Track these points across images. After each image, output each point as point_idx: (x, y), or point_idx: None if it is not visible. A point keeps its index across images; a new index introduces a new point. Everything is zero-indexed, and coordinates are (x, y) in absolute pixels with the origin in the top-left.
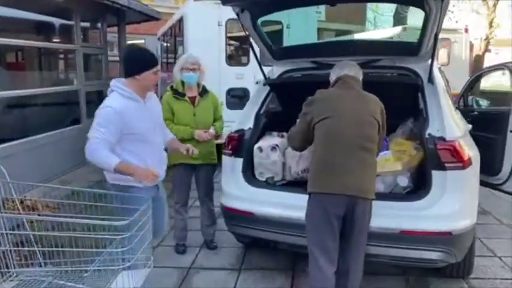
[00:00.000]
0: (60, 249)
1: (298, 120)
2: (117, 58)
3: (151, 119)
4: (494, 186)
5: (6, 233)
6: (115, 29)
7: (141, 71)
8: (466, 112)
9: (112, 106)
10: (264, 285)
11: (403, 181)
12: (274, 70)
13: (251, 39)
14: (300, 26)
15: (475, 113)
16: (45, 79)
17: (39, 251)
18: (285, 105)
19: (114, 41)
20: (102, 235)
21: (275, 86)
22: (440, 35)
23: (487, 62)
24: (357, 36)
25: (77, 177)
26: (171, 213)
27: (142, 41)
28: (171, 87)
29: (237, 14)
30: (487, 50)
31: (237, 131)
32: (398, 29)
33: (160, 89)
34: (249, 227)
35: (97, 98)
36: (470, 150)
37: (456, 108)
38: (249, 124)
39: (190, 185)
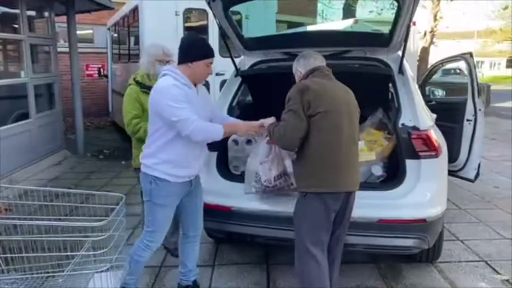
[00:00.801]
0: (35, 254)
1: (286, 115)
2: (67, 49)
3: (202, 109)
4: (452, 173)
5: None
6: (62, 18)
7: (194, 60)
8: (425, 102)
9: (173, 83)
10: (240, 280)
11: (378, 170)
12: (246, 61)
13: (224, 29)
14: (259, 17)
15: (433, 103)
16: None
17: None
18: (257, 97)
19: (61, 32)
20: (77, 237)
21: (247, 77)
22: None
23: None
24: (326, 27)
25: (26, 176)
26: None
27: (90, 31)
28: (135, 80)
29: (208, 3)
30: (432, 42)
31: None
32: (350, 21)
33: (111, 81)
34: (226, 222)
35: (47, 91)
36: (439, 139)
37: None
38: None
39: None
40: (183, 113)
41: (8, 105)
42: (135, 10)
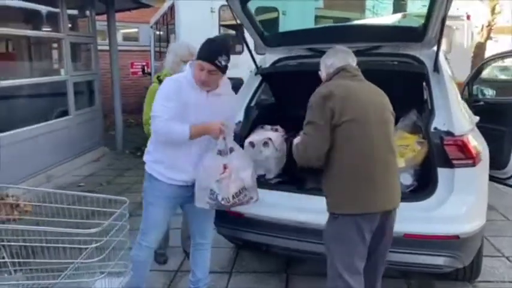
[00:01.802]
0: (27, 260)
1: (306, 128)
2: (107, 47)
3: (201, 115)
4: (501, 181)
5: None
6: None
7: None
8: (471, 102)
9: (176, 77)
10: None
11: (407, 179)
12: (267, 58)
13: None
14: (296, 13)
15: (481, 103)
16: (30, 69)
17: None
18: (279, 97)
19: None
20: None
21: (268, 76)
22: None
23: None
24: (357, 21)
25: (64, 172)
26: None
27: (136, 30)
28: (158, 78)
29: None
30: (489, 37)
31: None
32: (399, 15)
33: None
34: (238, 229)
35: (87, 88)
36: (479, 145)
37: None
38: (239, 117)
39: None
40: (158, 109)
41: (48, 102)
42: (172, 7)
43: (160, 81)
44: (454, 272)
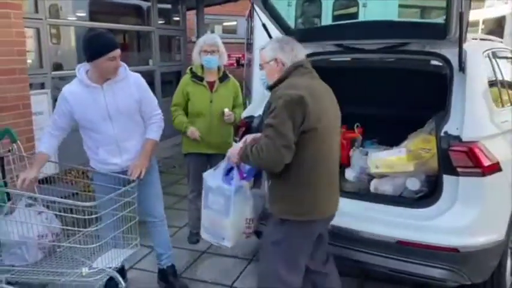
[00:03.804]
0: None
1: (269, 132)
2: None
3: (107, 106)
4: None
5: None
6: (208, 10)
7: (92, 58)
8: None
9: (62, 90)
10: None
11: (414, 184)
12: None
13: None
14: (378, 4)
15: None
16: (137, 59)
17: None
18: None
19: (208, 23)
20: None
21: None
22: None
23: None
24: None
25: None
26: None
27: (235, 23)
28: (191, 69)
29: None
30: None
31: (246, 118)
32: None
33: (246, 72)
34: None
35: (175, 78)
36: (501, 154)
37: None
38: (259, 111)
39: None
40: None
41: None
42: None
43: (192, 73)
44: None
